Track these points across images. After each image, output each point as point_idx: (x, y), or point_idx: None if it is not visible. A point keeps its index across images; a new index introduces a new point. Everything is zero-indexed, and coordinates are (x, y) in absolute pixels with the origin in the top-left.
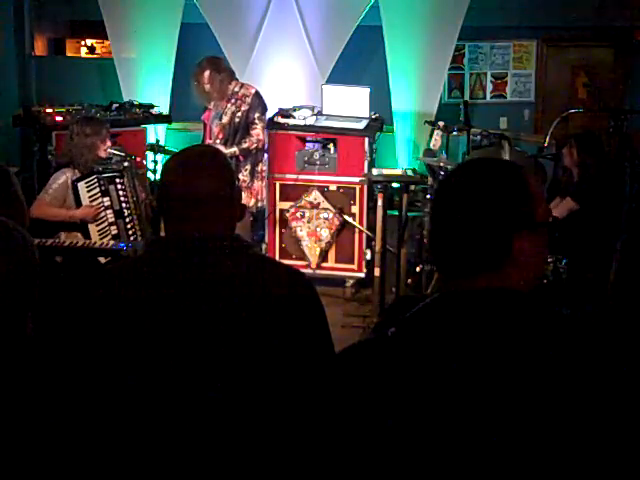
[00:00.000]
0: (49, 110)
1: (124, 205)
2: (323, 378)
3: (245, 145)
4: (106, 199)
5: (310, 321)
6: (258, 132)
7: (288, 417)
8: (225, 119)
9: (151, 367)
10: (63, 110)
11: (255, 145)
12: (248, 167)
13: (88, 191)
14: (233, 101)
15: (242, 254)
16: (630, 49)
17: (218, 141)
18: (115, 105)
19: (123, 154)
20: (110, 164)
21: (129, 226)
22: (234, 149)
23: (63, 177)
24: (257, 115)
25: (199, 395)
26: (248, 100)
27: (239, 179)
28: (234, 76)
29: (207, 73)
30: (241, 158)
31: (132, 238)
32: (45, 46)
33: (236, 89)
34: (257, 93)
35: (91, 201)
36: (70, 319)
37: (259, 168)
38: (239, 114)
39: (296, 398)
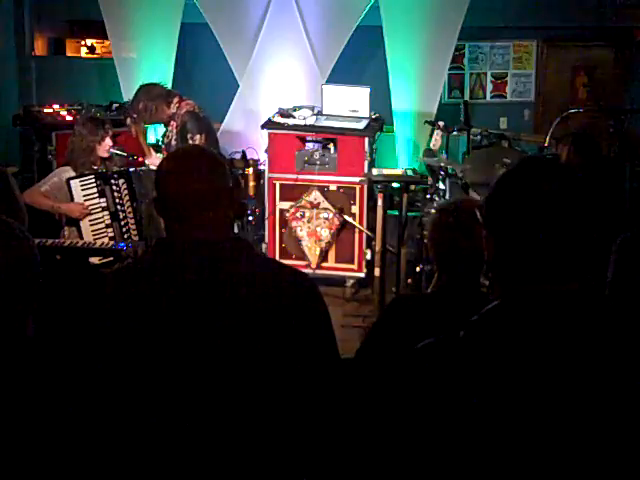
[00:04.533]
0: (49, 110)
1: (119, 208)
2: (330, 377)
3: None
4: (102, 200)
5: (314, 321)
6: None
7: (291, 415)
8: (166, 141)
9: (154, 369)
10: (63, 110)
11: None
12: None
13: (83, 189)
14: (172, 122)
15: (246, 255)
16: (630, 49)
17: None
18: (115, 105)
19: (125, 154)
20: (114, 166)
21: (124, 230)
22: None
23: (64, 174)
24: (190, 135)
25: (204, 396)
26: (179, 120)
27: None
28: (171, 97)
29: (141, 105)
30: None
31: (128, 242)
32: (45, 46)
33: (174, 110)
34: (187, 112)
35: (86, 200)
36: (72, 320)
37: None
38: (173, 135)
39: (299, 397)
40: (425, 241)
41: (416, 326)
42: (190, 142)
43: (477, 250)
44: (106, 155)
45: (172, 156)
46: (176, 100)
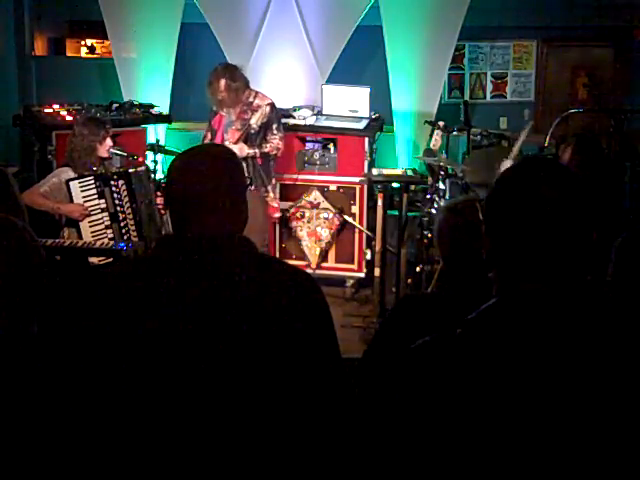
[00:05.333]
0: (49, 110)
1: (119, 209)
2: (332, 376)
3: (265, 149)
4: (102, 201)
5: (316, 321)
6: (278, 142)
7: (292, 414)
8: (241, 127)
9: (155, 366)
10: (63, 110)
11: (275, 152)
12: (268, 180)
13: (82, 191)
14: (248, 110)
15: (248, 253)
16: (630, 49)
17: (230, 144)
18: (115, 105)
19: (125, 154)
20: (113, 166)
21: (124, 231)
22: (255, 150)
23: (63, 175)
24: (275, 126)
25: (205, 394)
26: (265, 111)
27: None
28: (248, 85)
29: (223, 82)
30: (259, 161)
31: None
32: (45, 46)
33: (251, 99)
34: (272, 104)
35: (85, 201)
36: (74, 319)
37: (273, 178)
38: (254, 125)
39: (301, 395)
40: (425, 241)
41: (424, 325)
42: (274, 131)
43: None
44: (106, 155)
45: (184, 153)
46: (249, 89)
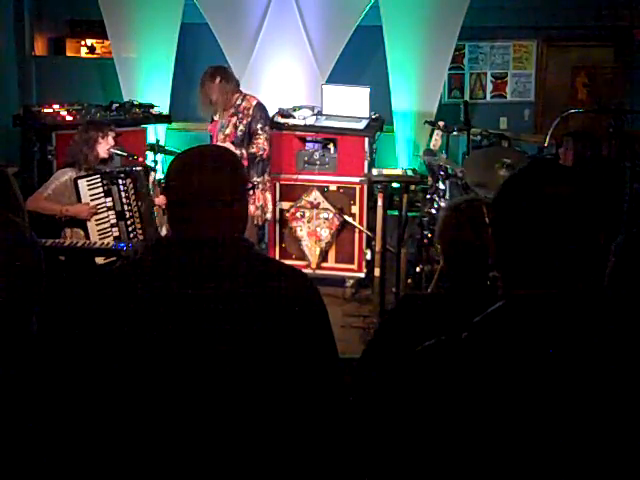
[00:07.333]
0: (49, 110)
1: (126, 207)
2: (329, 378)
3: (252, 150)
4: (108, 199)
5: (313, 322)
6: (262, 142)
7: (288, 416)
8: (228, 131)
9: (154, 368)
10: (63, 110)
11: (260, 153)
12: (255, 179)
13: (89, 189)
14: (235, 113)
15: (245, 255)
16: (630, 49)
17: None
18: (115, 105)
19: (125, 154)
20: (117, 166)
21: (130, 229)
22: (242, 151)
23: (65, 176)
24: (260, 126)
25: (202, 396)
26: (250, 112)
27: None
28: (239, 86)
29: (217, 81)
30: (245, 163)
31: (134, 241)
32: (45, 46)
33: (238, 102)
34: (259, 104)
35: (92, 200)
36: (73, 319)
37: (264, 179)
38: (241, 127)
39: (297, 397)
40: (425, 241)
41: (425, 325)
42: (259, 132)
43: (487, 249)
44: (106, 155)
45: (183, 154)
46: (239, 92)
